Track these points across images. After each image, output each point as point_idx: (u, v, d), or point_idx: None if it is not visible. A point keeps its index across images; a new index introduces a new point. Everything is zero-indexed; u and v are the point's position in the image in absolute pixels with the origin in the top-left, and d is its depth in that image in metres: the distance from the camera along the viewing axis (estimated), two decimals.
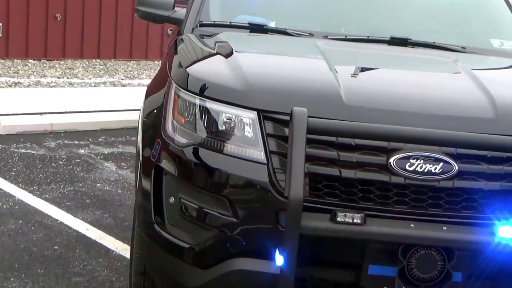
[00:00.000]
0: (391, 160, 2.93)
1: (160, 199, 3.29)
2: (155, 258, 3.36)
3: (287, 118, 2.97)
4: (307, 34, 4.13)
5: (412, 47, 4.13)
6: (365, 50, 4.04)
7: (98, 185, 6.06)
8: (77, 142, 7.52)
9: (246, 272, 3.03)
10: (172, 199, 3.23)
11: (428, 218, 2.94)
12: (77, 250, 4.58)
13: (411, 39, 4.14)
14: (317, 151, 2.93)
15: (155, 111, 3.60)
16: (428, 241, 2.87)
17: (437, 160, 2.93)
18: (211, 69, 3.42)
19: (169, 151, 3.26)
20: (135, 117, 8.49)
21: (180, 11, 4.41)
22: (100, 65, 12.80)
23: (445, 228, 2.88)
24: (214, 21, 4.27)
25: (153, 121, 3.55)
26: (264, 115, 3.05)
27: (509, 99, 3.24)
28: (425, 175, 2.93)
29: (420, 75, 3.71)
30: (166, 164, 3.27)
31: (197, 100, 3.21)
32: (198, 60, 3.62)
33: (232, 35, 4.07)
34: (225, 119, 3.14)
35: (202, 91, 3.22)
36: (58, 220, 5.12)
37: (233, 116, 3.12)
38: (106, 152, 7.23)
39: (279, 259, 2.84)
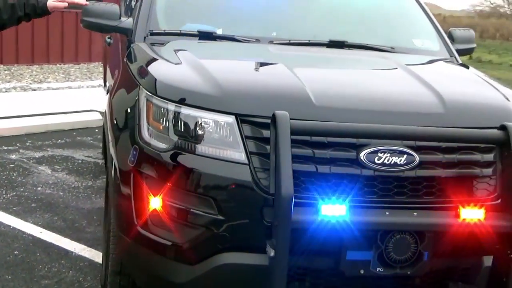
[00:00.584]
0: (361, 154, 2.95)
1: (140, 201, 3.17)
2: (138, 258, 3.24)
3: (263, 120, 2.98)
4: (254, 40, 4.09)
5: (349, 48, 4.17)
6: (313, 53, 4.04)
7: (39, 188, 5.79)
8: (6, 148, 7.15)
9: (233, 265, 2.98)
10: (154, 200, 3.12)
11: (395, 206, 2.98)
12: (38, 254, 4.37)
13: (347, 42, 4.18)
14: (294, 150, 2.89)
15: (125, 118, 3.48)
16: (403, 226, 2.91)
17: (401, 153, 2.98)
18: (184, 77, 3.32)
19: (148, 156, 3.16)
20: (57, 121, 8.32)
21: (126, 21, 4.25)
22: (5, 70, 12.28)
23: (416, 213, 2.94)
24: (164, 30, 4.15)
25: (125, 128, 3.42)
26: (241, 119, 3.01)
27: (455, 95, 3.33)
28: (391, 167, 2.97)
29: (373, 75, 3.75)
30: (146, 169, 3.16)
31: (174, 107, 3.12)
32: (167, 69, 3.51)
33: (187, 42, 3.99)
34: (203, 124, 3.07)
35: (178, 98, 3.13)
36: (10, 225, 4.86)
37: (211, 121, 3.06)
38: (37, 156, 6.91)
39: (271, 251, 2.79)
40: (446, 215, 2.96)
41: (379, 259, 2.93)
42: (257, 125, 3.00)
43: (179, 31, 4.15)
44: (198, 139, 3.06)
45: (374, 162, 2.95)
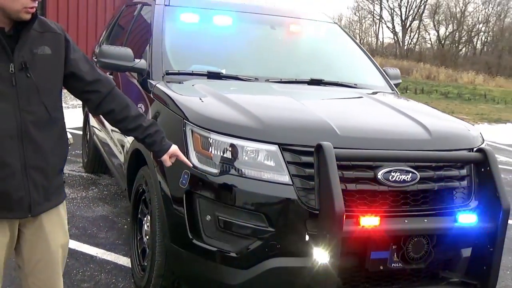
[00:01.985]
0: (379, 174, 2.96)
1: (194, 218, 3.01)
2: (192, 265, 3.08)
3: (301, 149, 2.95)
4: (254, 79, 4.00)
5: (325, 85, 4.17)
6: (309, 91, 4.00)
7: None
8: None
9: (280, 268, 2.92)
10: (208, 217, 2.98)
11: (407, 214, 3.00)
12: (68, 260, 4.01)
13: (324, 80, 4.18)
14: None
15: None
16: (420, 231, 2.95)
17: (408, 172, 3.01)
18: (224, 111, 3.20)
19: (200, 179, 3.01)
20: None
21: (140, 62, 4.03)
22: None
23: (426, 220, 2.98)
24: (178, 71, 3.97)
25: None
26: (283, 147, 2.94)
27: (435, 126, 3.39)
28: (400, 184, 2.99)
29: (369, 109, 3.72)
30: (199, 190, 3.02)
31: (223, 138, 3.00)
32: (206, 104, 3.34)
33: (202, 81, 3.85)
34: (249, 152, 2.98)
35: (225, 131, 3.01)
36: None
37: (257, 149, 2.98)
38: None
39: (322, 257, 2.73)
40: (447, 220, 3.02)
41: (399, 257, 2.94)
42: (296, 152, 2.96)
43: (191, 71, 4.00)
44: (246, 164, 2.96)
45: (388, 180, 2.96)
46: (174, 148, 2.56)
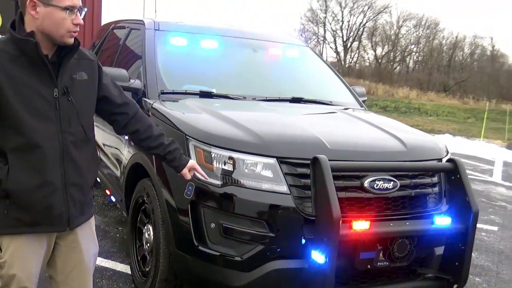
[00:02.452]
0: (365, 183, 3.05)
1: (200, 226, 3.03)
2: (198, 269, 3.08)
3: (297, 161, 3.02)
4: (242, 98, 4.04)
5: (305, 103, 4.25)
6: (295, 108, 4.05)
7: None
8: None
9: (280, 270, 2.97)
10: (213, 225, 3.01)
11: (384, 218, 3.09)
12: None
13: (304, 98, 4.26)
14: None
15: None
16: (404, 233, 3.05)
17: (389, 180, 3.12)
18: (227, 128, 3.23)
19: (203, 190, 3.04)
20: None
21: (135, 82, 4.02)
22: None
23: (408, 223, 3.08)
24: (173, 90, 3.98)
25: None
26: (280, 160, 3.00)
27: (409, 139, 3.50)
28: (384, 191, 3.10)
29: (350, 125, 3.79)
30: (203, 200, 3.04)
31: (224, 152, 3.04)
32: (207, 121, 3.36)
33: (196, 99, 3.86)
34: (250, 165, 3.02)
35: (227, 146, 3.06)
36: None
37: (257, 162, 3.02)
38: None
39: (320, 258, 2.80)
40: (425, 222, 3.14)
41: (385, 256, 3.04)
42: (292, 165, 3.02)
43: (185, 91, 4.01)
44: (246, 176, 3.01)
45: (373, 188, 3.06)
46: (192, 163, 2.59)
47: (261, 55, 4.72)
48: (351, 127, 3.71)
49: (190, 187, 3.09)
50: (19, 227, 2.03)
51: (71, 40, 2.05)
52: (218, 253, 2.99)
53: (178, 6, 55.85)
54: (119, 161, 4.21)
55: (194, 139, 3.16)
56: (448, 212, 3.24)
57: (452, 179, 3.28)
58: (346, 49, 49.34)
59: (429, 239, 3.22)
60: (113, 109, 2.33)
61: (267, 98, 4.12)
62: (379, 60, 48.67)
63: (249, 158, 3.02)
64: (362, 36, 49.15)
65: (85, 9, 2.11)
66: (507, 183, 9.09)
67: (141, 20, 4.76)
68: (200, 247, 3.03)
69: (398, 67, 49.55)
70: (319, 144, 3.13)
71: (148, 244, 3.56)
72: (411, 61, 50.01)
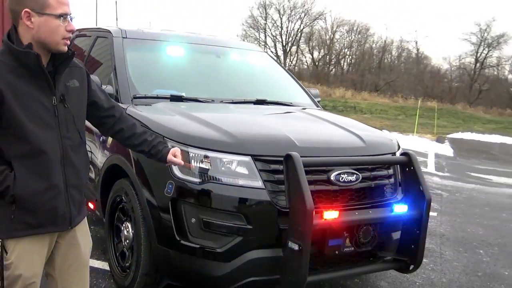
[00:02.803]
0: (331, 176, 3.16)
1: (180, 222, 3.05)
2: (180, 262, 3.09)
3: (270, 158, 3.09)
4: (210, 100, 4.07)
5: (268, 104, 4.31)
6: (261, 110, 4.10)
7: None
8: None
9: (257, 259, 3.03)
10: (193, 220, 3.04)
11: (356, 207, 3.21)
12: None
13: (267, 100, 4.33)
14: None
15: (151, 162, 3.28)
16: (368, 220, 3.17)
17: (352, 173, 3.24)
18: (202, 129, 3.26)
19: (183, 188, 3.06)
20: None
21: (107, 88, 3.97)
22: None
23: (370, 211, 3.21)
24: (145, 95, 3.95)
25: (153, 169, 3.23)
26: (255, 158, 3.06)
27: (367, 135, 3.64)
28: (348, 183, 3.22)
29: (313, 123, 3.88)
30: (183, 197, 3.06)
31: (202, 151, 3.08)
32: (183, 123, 3.37)
33: (169, 103, 3.85)
34: (226, 163, 3.06)
35: (204, 146, 3.09)
36: None
37: (233, 160, 3.07)
38: None
39: (295, 246, 2.87)
40: (386, 210, 3.28)
41: (352, 242, 3.15)
42: (266, 162, 3.08)
43: (156, 95, 3.99)
44: (223, 173, 3.05)
45: (339, 181, 3.17)
46: (174, 149, 2.56)
47: (224, 60, 4.76)
48: (314, 125, 3.82)
49: (170, 186, 3.10)
50: (25, 230, 2.01)
51: (65, 48, 2.04)
52: (199, 246, 3.02)
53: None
54: (92, 163, 4.15)
55: (171, 140, 3.17)
56: (404, 200, 3.40)
57: (406, 171, 3.44)
58: (285, 53, 49.92)
59: (389, 225, 3.37)
60: (101, 113, 2.33)
61: (234, 101, 4.17)
62: (316, 63, 49.53)
63: (226, 157, 3.07)
64: (300, 41, 49.88)
65: (74, 17, 2.10)
66: (440, 173, 9.52)
67: (107, 29, 4.69)
68: (181, 241, 3.04)
69: (333, 69, 50.54)
70: (289, 142, 3.21)
71: (128, 241, 3.53)
72: (345, 64, 51.16)
